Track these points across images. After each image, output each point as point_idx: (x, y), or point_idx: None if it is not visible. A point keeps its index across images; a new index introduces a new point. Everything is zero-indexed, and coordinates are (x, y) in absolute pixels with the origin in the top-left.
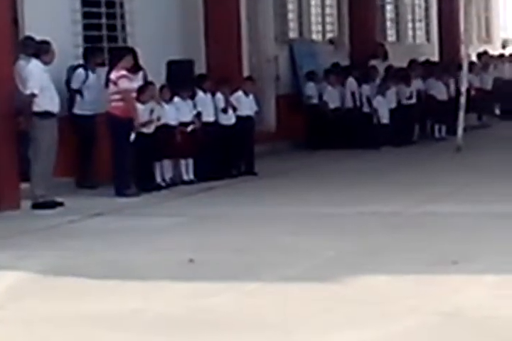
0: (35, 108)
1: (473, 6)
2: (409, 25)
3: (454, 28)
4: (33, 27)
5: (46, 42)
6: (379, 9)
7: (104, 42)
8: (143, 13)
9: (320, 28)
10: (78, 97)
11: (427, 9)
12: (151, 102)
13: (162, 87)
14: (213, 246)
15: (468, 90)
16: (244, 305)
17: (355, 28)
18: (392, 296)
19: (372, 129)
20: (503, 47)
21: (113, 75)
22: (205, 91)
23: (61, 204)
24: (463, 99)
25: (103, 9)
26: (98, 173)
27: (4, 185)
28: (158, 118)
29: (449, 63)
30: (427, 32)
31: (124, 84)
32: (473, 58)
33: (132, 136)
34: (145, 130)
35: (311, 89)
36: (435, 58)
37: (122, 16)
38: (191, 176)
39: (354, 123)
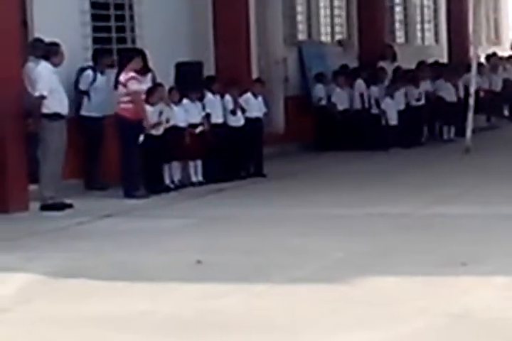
0: (45, 110)
1: (482, 7)
2: (418, 26)
3: (463, 30)
4: (42, 29)
5: (55, 44)
6: (388, 10)
7: (113, 44)
8: (152, 15)
9: (329, 29)
10: (85, 99)
11: (435, 10)
12: (160, 104)
13: (171, 89)
14: (222, 247)
15: (477, 92)
16: (253, 307)
17: (364, 30)
18: (401, 297)
19: (381, 131)
20: None
21: (122, 77)
22: (213, 93)
23: (70, 205)
24: (471, 101)
25: (112, 11)
26: (106, 175)
27: (13, 186)
28: (167, 120)
29: (457, 65)
30: (436, 33)
31: (133, 86)
32: (482, 60)
33: (141, 138)
34: (154, 132)
35: (319, 90)
36: (444, 60)
37: (131, 18)
38: (200, 178)
39: (362, 125)
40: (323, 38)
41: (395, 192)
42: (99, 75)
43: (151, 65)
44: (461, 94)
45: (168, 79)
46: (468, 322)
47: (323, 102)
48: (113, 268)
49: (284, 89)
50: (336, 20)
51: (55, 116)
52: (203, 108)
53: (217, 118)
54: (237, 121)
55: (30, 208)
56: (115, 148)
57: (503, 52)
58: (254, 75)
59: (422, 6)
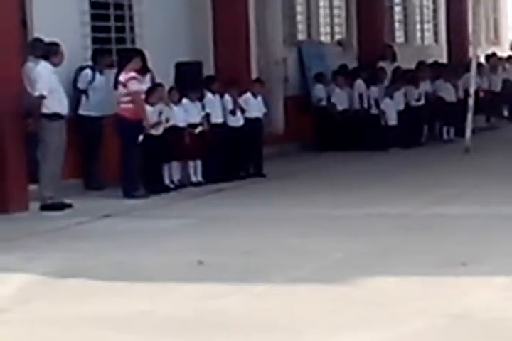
0: (44, 110)
1: (481, 8)
2: (418, 26)
3: (463, 30)
4: (41, 29)
5: (55, 44)
6: (387, 11)
7: (112, 44)
8: (151, 15)
9: (328, 29)
10: (84, 98)
11: (435, 10)
12: (159, 104)
13: (171, 89)
14: (222, 247)
15: (476, 92)
16: (252, 307)
17: (364, 30)
18: (401, 298)
19: (381, 131)
20: None
21: (122, 77)
22: (213, 93)
23: (69, 205)
24: (471, 101)
25: (112, 11)
26: (105, 174)
27: (12, 186)
28: (167, 120)
29: (457, 65)
30: (435, 33)
31: (133, 86)
32: (482, 60)
33: (140, 138)
34: (153, 132)
35: (319, 91)
36: (443, 60)
37: (131, 18)
38: (199, 178)
39: (362, 125)
40: (322, 38)
41: (394, 193)
42: (97, 75)
43: (150, 65)
44: (461, 94)
45: (167, 79)
46: (468, 322)
47: (323, 103)
48: (112, 268)
49: (284, 89)
50: (336, 20)
51: (55, 116)
52: (203, 108)
53: (216, 118)
54: (237, 121)
55: (30, 208)
56: (114, 148)
57: (503, 53)
58: (254, 75)
59: (421, 6)
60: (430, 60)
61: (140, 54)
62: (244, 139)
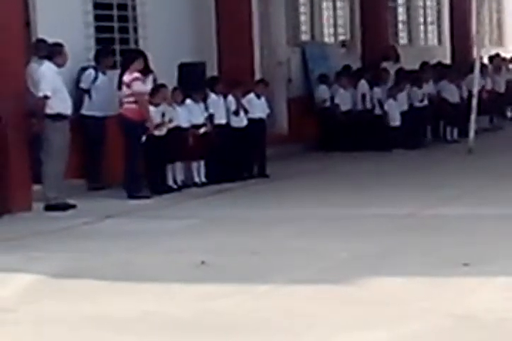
0: (48, 110)
1: (485, 9)
2: (421, 27)
3: (466, 31)
4: (45, 29)
5: (59, 45)
6: (391, 11)
7: (116, 45)
8: (155, 16)
9: (332, 30)
10: (86, 98)
11: (438, 11)
12: (163, 105)
13: (174, 90)
14: (225, 248)
15: (480, 93)
16: (255, 308)
17: (367, 31)
18: (404, 298)
19: (384, 132)
20: None
21: (126, 78)
22: (217, 94)
23: (73, 206)
24: (474, 102)
25: (115, 12)
26: (108, 175)
27: (16, 186)
28: (170, 121)
29: (460, 66)
30: (439, 34)
31: (137, 86)
32: (485, 61)
33: (143, 138)
34: (157, 132)
35: (323, 92)
36: (447, 61)
37: (134, 19)
38: (203, 178)
39: (365, 126)
40: (326, 39)
41: (398, 193)
42: (100, 75)
43: (153, 65)
44: (464, 95)
45: (171, 80)
46: (471, 322)
47: (327, 103)
48: (116, 268)
49: (287, 89)
50: (339, 21)
51: (59, 117)
52: (206, 109)
53: (220, 119)
54: (240, 121)
55: (34, 208)
56: (117, 148)
57: (506, 54)
58: (258, 76)
59: (425, 7)
60: (434, 61)
61: (142, 55)
62: (248, 140)
